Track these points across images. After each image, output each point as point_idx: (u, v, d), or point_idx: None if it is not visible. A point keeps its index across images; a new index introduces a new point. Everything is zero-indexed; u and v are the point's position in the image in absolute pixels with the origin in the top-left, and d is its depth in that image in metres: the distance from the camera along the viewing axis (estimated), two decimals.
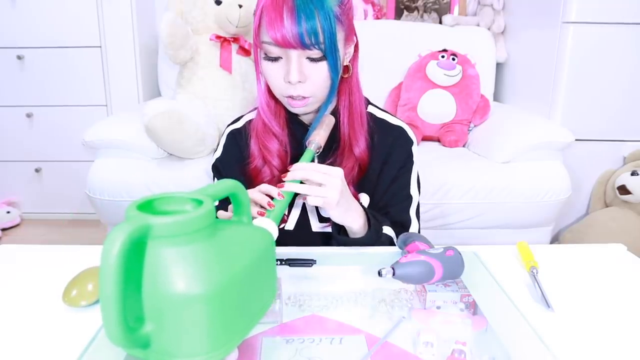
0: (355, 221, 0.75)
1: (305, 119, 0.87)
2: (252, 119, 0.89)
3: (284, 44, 0.70)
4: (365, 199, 0.87)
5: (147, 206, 0.45)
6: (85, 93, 2.06)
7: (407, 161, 0.88)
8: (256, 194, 0.70)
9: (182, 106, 1.54)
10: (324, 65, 0.74)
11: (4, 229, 2.14)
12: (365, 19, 2.11)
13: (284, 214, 0.76)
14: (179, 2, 1.72)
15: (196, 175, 1.49)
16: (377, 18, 2.13)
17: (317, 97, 0.78)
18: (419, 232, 0.89)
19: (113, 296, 0.38)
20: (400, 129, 0.90)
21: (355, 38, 0.82)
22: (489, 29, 2.05)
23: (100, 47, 2.00)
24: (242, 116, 0.94)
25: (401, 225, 0.87)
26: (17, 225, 2.20)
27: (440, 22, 2.11)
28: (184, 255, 0.42)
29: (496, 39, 2.04)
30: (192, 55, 1.66)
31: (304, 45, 0.70)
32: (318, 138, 0.77)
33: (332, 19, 0.71)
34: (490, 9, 2.04)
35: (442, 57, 1.87)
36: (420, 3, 2.13)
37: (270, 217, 0.64)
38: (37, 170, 2.17)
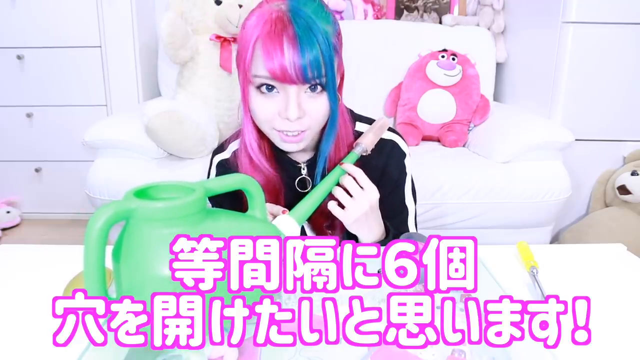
0: (366, 239, 0.76)
1: (297, 157, 0.79)
2: (236, 150, 0.81)
3: (283, 79, 0.63)
4: None
5: (145, 192, 0.48)
6: (85, 93, 2.06)
7: (401, 174, 0.85)
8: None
9: (182, 106, 1.54)
10: (323, 99, 0.68)
11: (3, 229, 2.14)
12: (365, 19, 2.11)
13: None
14: (179, 2, 1.72)
15: (196, 175, 1.49)
16: (377, 18, 2.12)
17: (314, 130, 0.71)
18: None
19: (93, 267, 0.42)
20: (392, 143, 0.84)
21: (342, 66, 0.76)
22: (489, 29, 2.05)
23: (100, 47, 1.99)
24: (225, 142, 0.86)
25: None
26: (17, 225, 2.19)
27: (440, 22, 2.11)
28: (160, 238, 0.44)
29: (496, 39, 2.04)
30: (192, 55, 1.66)
31: (305, 80, 0.63)
32: (365, 141, 0.74)
33: (332, 50, 0.65)
34: (490, 9, 2.04)
35: (442, 57, 1.87)
36: (420, 3, 2.13)
37: (294, 216, 0.63)
38: (37, 170, 2.17)
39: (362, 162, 0.75)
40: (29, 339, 0.56)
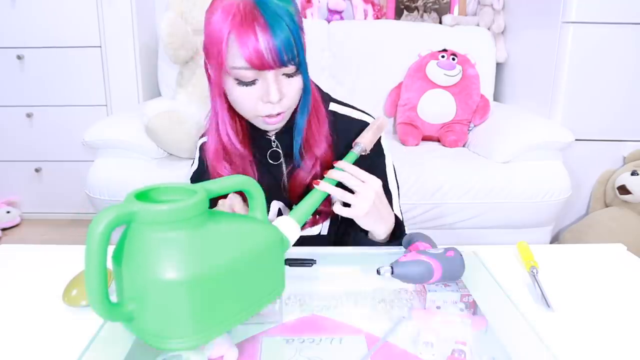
0: (381, 231, 0.75)
1: (270, 133, 0.82)
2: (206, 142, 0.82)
3: (261, 66, 0.65)
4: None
5: (146, 195, 0.47)
6: (85, 93, 2.06)
7: (376, 154, 0.85)
8: None
9: (182, 106, 1.54)
10: (298, 79, 0.71)
11: (4, 229, 2.14)
12: (365, 19, 2.11)
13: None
14: (179, 2, 1.72)
15: None
16: (377, 18, 2.13)
17: (291, 109, 0.74)
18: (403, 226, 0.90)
19: (95, 272, 0.41)
20: (363, 123, 0.84)
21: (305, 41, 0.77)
22: (489, 29, 2.05)
23: (100, 47, 2.00)
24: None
25: None
26: (17, 225, 2.20)
27: (440, 22, 2.11)
28: (163, 242, 0.43)
29: (496, 39, 2.04)
30: (192, 55, 1.66)
31: (282, 63, 0.65)
32: (364, 140, 0.75)
33: (299, 30, 0.68)
34: (490, 9, 2.04)
35: (442, 57, 1.87)
36: (420, 3, 2.13)
37: (294, 217, 0.63)
38: (37, 170, 2.17)
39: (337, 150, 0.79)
40: (29, 339, 0.56)
